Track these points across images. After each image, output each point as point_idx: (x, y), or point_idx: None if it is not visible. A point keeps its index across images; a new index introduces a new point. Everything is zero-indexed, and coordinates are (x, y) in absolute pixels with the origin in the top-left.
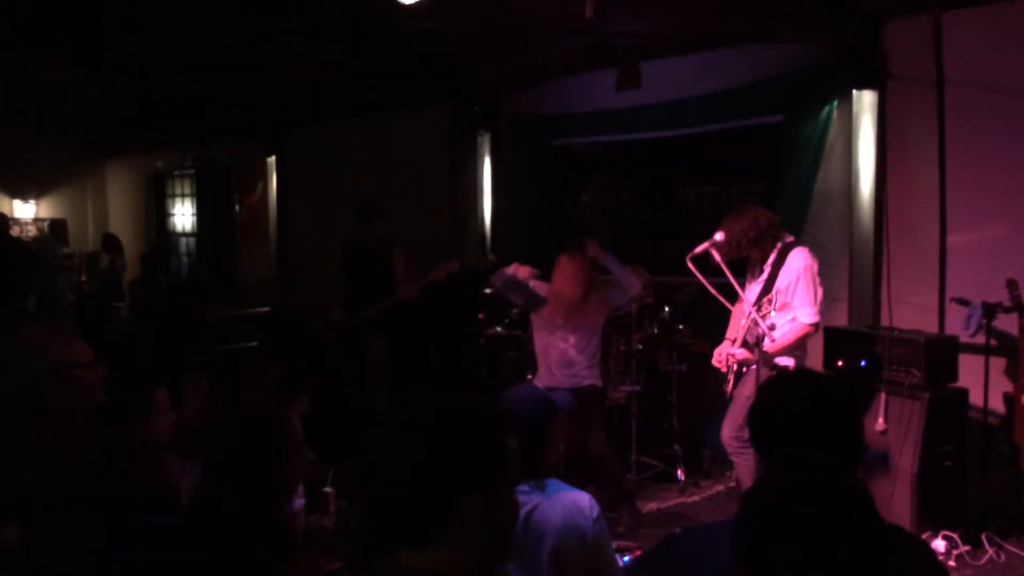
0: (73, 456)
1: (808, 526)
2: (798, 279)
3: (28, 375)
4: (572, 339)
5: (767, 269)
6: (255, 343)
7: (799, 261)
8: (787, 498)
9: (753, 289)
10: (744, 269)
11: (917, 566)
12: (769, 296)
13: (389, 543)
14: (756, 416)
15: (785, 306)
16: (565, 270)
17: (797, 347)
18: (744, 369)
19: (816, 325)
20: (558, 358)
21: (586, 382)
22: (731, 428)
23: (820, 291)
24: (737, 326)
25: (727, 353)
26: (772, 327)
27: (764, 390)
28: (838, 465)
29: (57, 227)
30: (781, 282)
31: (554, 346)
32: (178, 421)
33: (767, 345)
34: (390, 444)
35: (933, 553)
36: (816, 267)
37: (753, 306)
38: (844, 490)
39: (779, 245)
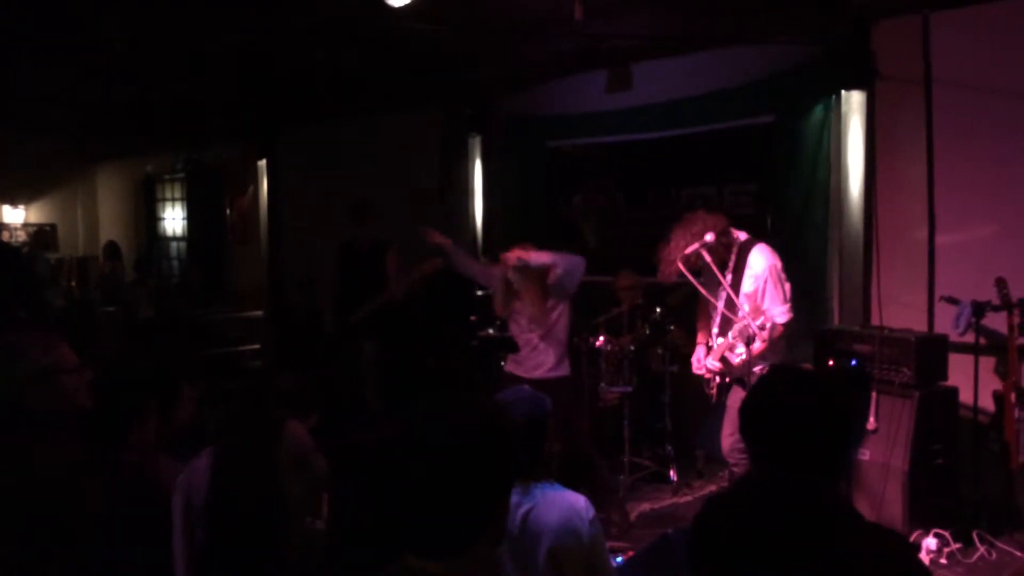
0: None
1: (768, 533)
2: (765, 281)
3: (9, 381)
4: (536, 327)
5: (728, 276)
6: (249, 346)
7: (762, 263)
8: (748, 504)
9: (723, 296)
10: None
11: (897, 567)
12: (755, 304)
13: (415, 550)
14: (749, 412)
15: (756, 310)
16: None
17: (771, 349)
18: (727, 379)
19: (786, 323)
20: (525, 345)
21: (553, 373)
22: (731, 440)
23: (788, 286)
24: (708, 331)
25: (704, 364)
26: (763, 327)
27: (758, 387)
28: (823, 465)
29: (42, 237)
30: (747, 287)
31: (520, 335)
32: (171, 423)
33: (756, 346)
34: (434, 454)
35: (915, 554)
36: (780, 264)
37: (725, 309)
38: (808, 496)
39: (735, 248)
